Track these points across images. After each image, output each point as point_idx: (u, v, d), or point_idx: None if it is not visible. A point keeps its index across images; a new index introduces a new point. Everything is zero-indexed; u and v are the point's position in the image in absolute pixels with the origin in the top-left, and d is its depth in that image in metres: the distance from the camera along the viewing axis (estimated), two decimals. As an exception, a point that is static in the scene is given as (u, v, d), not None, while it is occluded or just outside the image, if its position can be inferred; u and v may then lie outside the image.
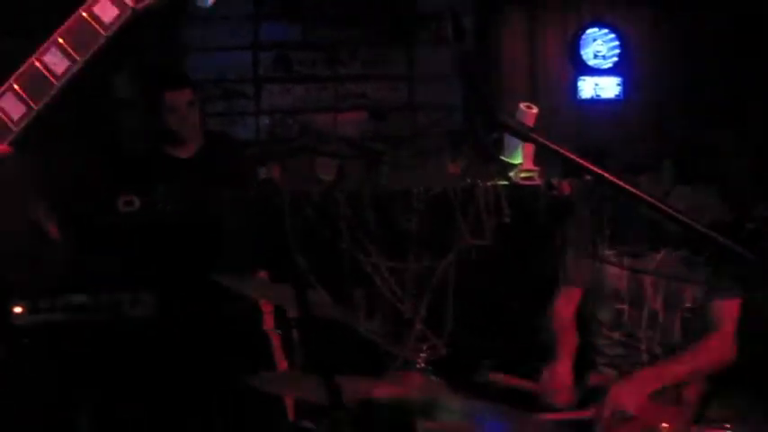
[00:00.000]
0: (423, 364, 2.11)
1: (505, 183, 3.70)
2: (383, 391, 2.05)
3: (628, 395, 2.38)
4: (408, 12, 5.27)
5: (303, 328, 2.64)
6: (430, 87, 5.25)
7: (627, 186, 1.39)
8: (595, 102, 5.59)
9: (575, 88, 5.62)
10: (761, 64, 4.91)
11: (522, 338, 3.15)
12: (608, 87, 5.63)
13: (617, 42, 5.55)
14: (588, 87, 5.61)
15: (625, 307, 2.68)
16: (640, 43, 5.63)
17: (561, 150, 1.42)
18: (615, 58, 5.55)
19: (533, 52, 5.65)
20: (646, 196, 1.40)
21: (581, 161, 1.41)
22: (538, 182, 3.66)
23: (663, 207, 1.40)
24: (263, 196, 3.33)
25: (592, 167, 1.41)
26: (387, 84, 5.19)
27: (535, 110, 3.72)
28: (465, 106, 4.71)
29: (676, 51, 5.54)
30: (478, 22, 5.47)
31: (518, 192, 3.65)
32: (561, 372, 2.56)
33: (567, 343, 2.67)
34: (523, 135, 1.62)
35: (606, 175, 1.41)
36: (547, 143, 1.53)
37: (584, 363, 2.72)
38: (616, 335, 2.71)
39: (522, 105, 3.72)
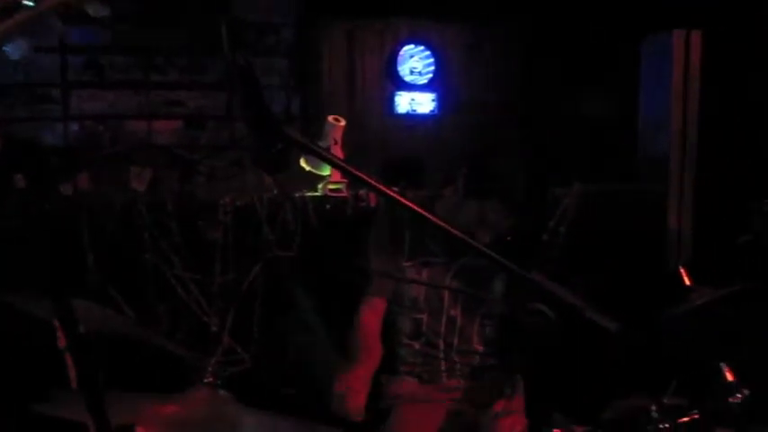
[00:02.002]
0: (211, 379, 2.07)
1: (314, 194, 3.72)
2: (167, 409, 1.99)
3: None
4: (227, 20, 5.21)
5: (74, 345, 2.52)
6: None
7: (406, 202, 1.40)
8: (412, 116, 5.76)
9: (392, 103, 5.76)
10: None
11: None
12: (424, 103, 5.81)
13: (432, 59, 5.74)
14: (404, 102, 5.76)
15: (424, 316, 2.72)
16: (455, 60, 5.85)
17: (343, 165, 1.42)
18: (430, 75, 5.74)
19: (352, 67, 5.74)
20: (420, 210, 1.41)
21: (362, 176, 1.41)
22: (345, 194, 3.71)
23: (434, 220, 1.42)
24: (59, 210, 3.18)
25: (372, 182, 1.41)
26: (204, 92, 5.11)
27: (343, 122, 3.77)
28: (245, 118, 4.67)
29: (490, 69, 5.80)
30: (299, 35, 5.49)
31: (326, 203, 3.67)
32: (357, 377, 2.57)
33: (371, 352, 2.67)
34: (306, 148, 1.61)
35: (384, 189, 1.41)
36: (329, 157, 1.52)
37: (387, 371, 2.75)
38: (416, 344, 2.75)
39: (331, 118, 3.76)
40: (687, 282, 2.09)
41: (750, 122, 4.77)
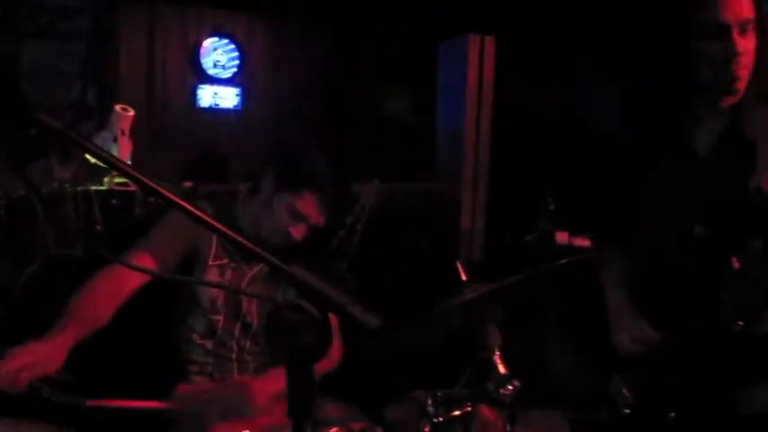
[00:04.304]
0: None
1: (100, 188, 3.49)
2: None
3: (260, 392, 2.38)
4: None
5: None
6: (43, 84, 4.89)
7: (182, 202, 1.31)
8: (215, 110, 5.62)
9: (195, 96, 5.60)
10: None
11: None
12: (227, 97, 5.68)
13: (237, 53, 5.63)
14: (207, 96, 5.62)
15: (220, 318, 2.64)
16: (260, 55, 5.77)
17: (107, 157, 1.30)
18: (235, 69, 5.62)
19: (153, 56, 5.53)
20: (187, 206, 1.32)
21: (131, 171, 1.30)
22: (133, 187, 3.51)
23: (208, 220, 1.34)
24: None
25: (144, 179, 1.29)
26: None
27: (131, 113, 3.58)
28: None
29: (296, 66, 5.75)
30: (96, 19, 5.21)
31: (112, 198, 3.46)
32: None
33: None
34: (65, 137, 1.47)
35: (155, 186, 1.30)
36: (90, 147, 1.38)
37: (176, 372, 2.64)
38: (209, 344, 2.67)
39: (118, 107, 3.56)
40: (463, 276, 2.13)
41: (541, 126, 5.04)
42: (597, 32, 4.70)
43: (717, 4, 1.90)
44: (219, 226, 1.35)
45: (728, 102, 1.98)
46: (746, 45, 1.91)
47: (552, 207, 4.15)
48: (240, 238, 1.38)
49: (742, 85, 1.95)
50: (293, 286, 1.34)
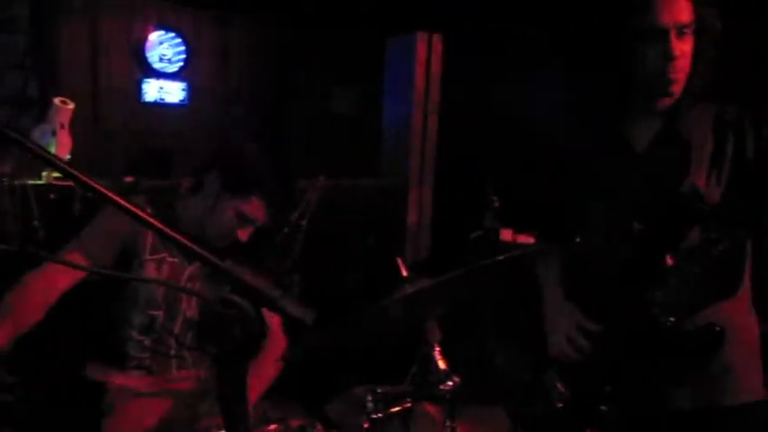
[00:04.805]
0: None
1: (38, 182, 3.41)
2: None
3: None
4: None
5: None
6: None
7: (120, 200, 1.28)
8: (160, 105, 5.54)
9: (140, 90, 5.50)
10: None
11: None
12: (173, 92, 5.60)
13: (183, 47, 5.55)
14: (153, 90, 5.53)
15: (160, 313, 2.61)
16: (207, 50, 5.70)
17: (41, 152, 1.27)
18: (181, 63, 5.55)
19: (97, 49, 5.42)
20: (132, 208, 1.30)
21: (64, 167, 1.26)
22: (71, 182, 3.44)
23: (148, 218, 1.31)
24: None
25: (78, 175, 1.26)
26: None
27: (71, 105, 3.51)
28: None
29: (243, 62, 5.70)
30: (33, 9, 5.09)
31: (51, 192, 3.38)
32: None
33: None
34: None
35: (93, 184, 1.27)
36: (28, 144, 1.34)
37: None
38: (147, 340, 2.63)
39: (57, 100, 3.49)
40: (404, 272, 2.13)
41: (487, 123, 5.07)
42: (544, 31, 4.75)
43: (655, 7, 1.93)
44: (155, 222, 1.33)
45: (665, 103, 2.02)
46: (683, 48, 1.94)
47: (497, 204, 4.18)
48: (175, 235, 1.36)
49: (678, 87, 1.98)
50: (226, 281, 1.33)
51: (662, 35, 1.93)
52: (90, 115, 5.22)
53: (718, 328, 1.89)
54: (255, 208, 2.50)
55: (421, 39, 4.49)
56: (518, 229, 4.19)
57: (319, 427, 2.18)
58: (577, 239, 2.23)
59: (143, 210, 1.31)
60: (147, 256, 2.57)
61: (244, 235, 2.52)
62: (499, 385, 2.53)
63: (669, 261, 1.92)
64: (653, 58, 1.94)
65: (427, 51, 4.49)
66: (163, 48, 5.50)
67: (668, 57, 1.93)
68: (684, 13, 1.94)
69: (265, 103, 5.57)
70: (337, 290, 3.34)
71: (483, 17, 4.96)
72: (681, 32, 1.93)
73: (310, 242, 3.70)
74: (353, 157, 4.81)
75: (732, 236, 1.88)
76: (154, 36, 5.47)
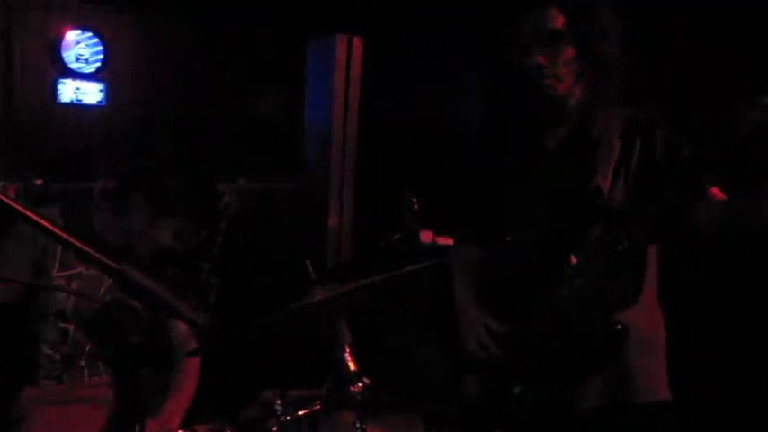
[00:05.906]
0: None
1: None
2: None
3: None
4: None
5: None
6: None
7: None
8: (77, 106, 5.38)
9: (55, 90, 5.34)
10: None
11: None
12: (90, 93, 5.46)
13: (101, 47, 5.41)
14: (69, 91, 5.38)
15: (71, 327, 2.60)
16: (125, 50, 5.57)
17: None
18: (98, 64, 5.40)
19: (10, 48, 5.25)
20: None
21: None
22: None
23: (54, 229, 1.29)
24: None
25: None
26: None
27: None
28: None
29: (161, 63, 5.61)
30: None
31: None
32: None
33: None
34: None
35: None
36: None
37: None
38: (57, 354, 2.61)
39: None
40: (313, 276, 2.14)
41: (407, 126, 5.09)
42: (464, 34, 4.80)
43: (523, 20, 2.00)
44: (65, 236, 1.31)
45: (559, 107, 2.07)
46: (552, 55, 2.00)
47: (416, 206, 4.19)
48: (71, 239, 1.34)
49: (556, 92, 2.04)
50: (122, 285, 1.32)
51: (527, 46, 2.00)
52: (2, 115, 5.06)
53: (619, 326, 1.93)
54: (183, 225, 2.55)
55: (341, 42, 4.50)
56: (438, 231, 4.22)
57: (228, 430, 2.17)
58: (508, 239, 2.26)
59: (54, 223, 1.31)
60: (56, 273, 2.57)
61: (177, 248, 2.56)
62: (416, 385, 2.55)
63: (573, 259, 1.96)
64: (526, 68, 2.01)
65: (347, 54, 4.50)
66: (80, 48, 5.34)
67: (534, 65, 2.00)
68: (549, 22, 2.01)
69: (185, 106, 5.47)
70: (251, 294, 3.31)
71: (405, 19, 4.98)
72: (547, 41, 2.00)
73: (229, 245, 3.67)
74: (274, 160, 4.78)
75: (632, 236, 1.93)
76: (71, 36, 5.31)
